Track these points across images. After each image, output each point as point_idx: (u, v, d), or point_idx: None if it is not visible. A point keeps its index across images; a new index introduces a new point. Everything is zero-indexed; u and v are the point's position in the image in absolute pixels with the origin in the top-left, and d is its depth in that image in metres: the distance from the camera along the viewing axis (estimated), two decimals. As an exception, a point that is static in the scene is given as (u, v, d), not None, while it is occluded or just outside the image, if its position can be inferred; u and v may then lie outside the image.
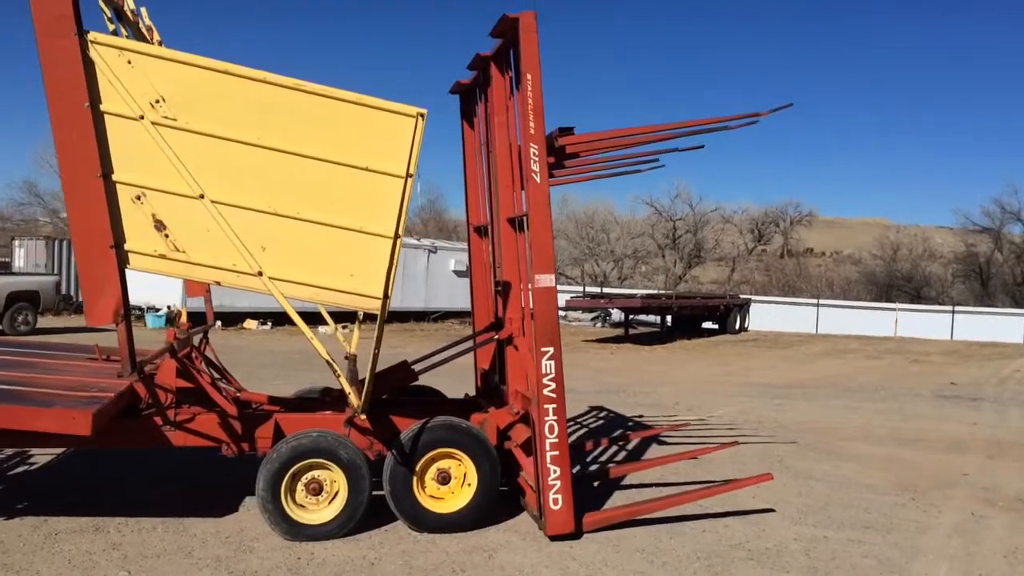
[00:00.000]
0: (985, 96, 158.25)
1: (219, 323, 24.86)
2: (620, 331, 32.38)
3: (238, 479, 7.86)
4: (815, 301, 41.84)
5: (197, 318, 9.20)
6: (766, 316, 39.19)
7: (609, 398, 14.15)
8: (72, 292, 29.00)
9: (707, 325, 35.43)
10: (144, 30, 7.01)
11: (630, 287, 50.62)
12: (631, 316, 32.58)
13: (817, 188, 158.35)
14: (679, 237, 64.56)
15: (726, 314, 35.41)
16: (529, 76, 5.81)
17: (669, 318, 33.08)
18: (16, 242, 32.02)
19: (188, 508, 6.77)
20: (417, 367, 7.40)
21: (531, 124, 5.79)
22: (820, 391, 17.40)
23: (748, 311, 38.07)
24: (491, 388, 7.95)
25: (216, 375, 7.40)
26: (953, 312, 40.55)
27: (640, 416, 12.21)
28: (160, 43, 7.14)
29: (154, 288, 25.61)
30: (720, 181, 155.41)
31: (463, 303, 31.13)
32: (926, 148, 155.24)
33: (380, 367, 6.42)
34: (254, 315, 27.54)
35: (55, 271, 28.36)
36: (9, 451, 8.41)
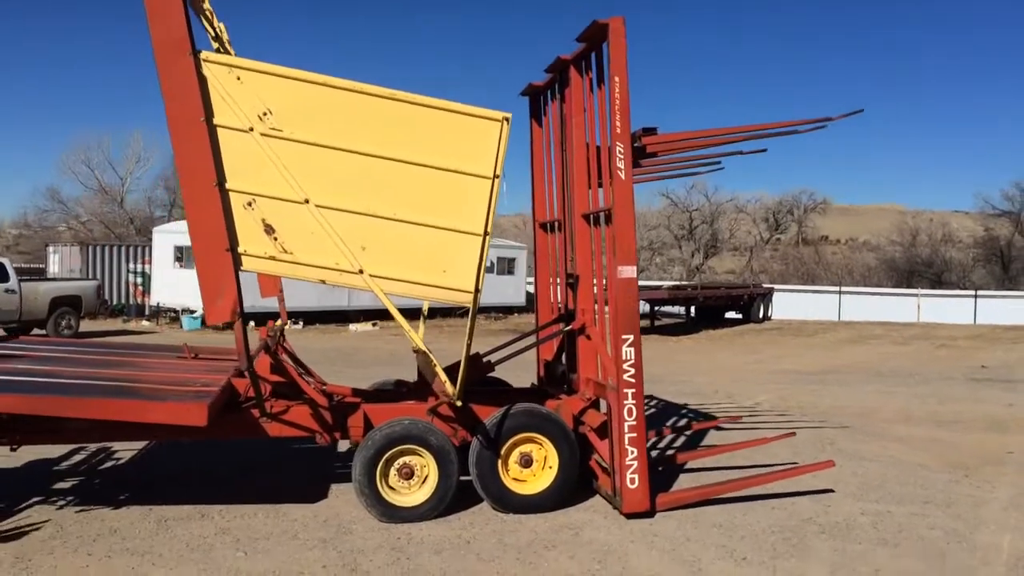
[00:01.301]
0: (996, 80, 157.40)
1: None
2: (646, 322, 32.69)
3: (318, 467, 8.30)
4: (837, 288, 41.97)
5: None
6: (788, 304, 39.38)
7: (649, 387, 14.45)
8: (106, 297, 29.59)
9: (730, 315, 35.69)
10: (220, 32, 7.37)
11: (646, 279, 50.83)
12: (656, 308, 32.88)
13: (830, 175, 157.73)
14: (695, 228, 64.89)
15: (750, 303, 35.66)
16: (617, 78, 6.19)
17: (693, 308, 33.35)
18: (50, 248, 32.64)
19: (280, 495, 7.17)
20: (489, 360, 7.77)
21: (617, 123, 6.17)
22: (852, 377, 17.69)
23: (771, 300, 38.31)
24: (555, 377, 8.30)
25: (300, 370, 7.79)
26: (976, 296, 40.65)
27: (685, 404, 12.55)
28: (230, 42, 7.48)
29: (190, 291, 26.20)
30: (734, 171, 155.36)
31: (491, 298, 31.52)
32: (939, 133, 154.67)
33: (446, 362, 6.79)
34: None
35: (89, 276, 28.89)
36: (93, 447, 8.84)
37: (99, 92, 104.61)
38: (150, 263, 29.45)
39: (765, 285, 40.76)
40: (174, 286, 26.77)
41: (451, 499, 6.64)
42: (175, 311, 26.88)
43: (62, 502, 6.94)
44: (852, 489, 7.74)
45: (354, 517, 6.64)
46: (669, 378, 16.41)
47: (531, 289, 39.45)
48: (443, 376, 6.45)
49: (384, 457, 6.51)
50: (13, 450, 6.68)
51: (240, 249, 5.83)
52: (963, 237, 66.06)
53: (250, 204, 5.81)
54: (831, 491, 7.64)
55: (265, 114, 5.77)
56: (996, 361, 21.81)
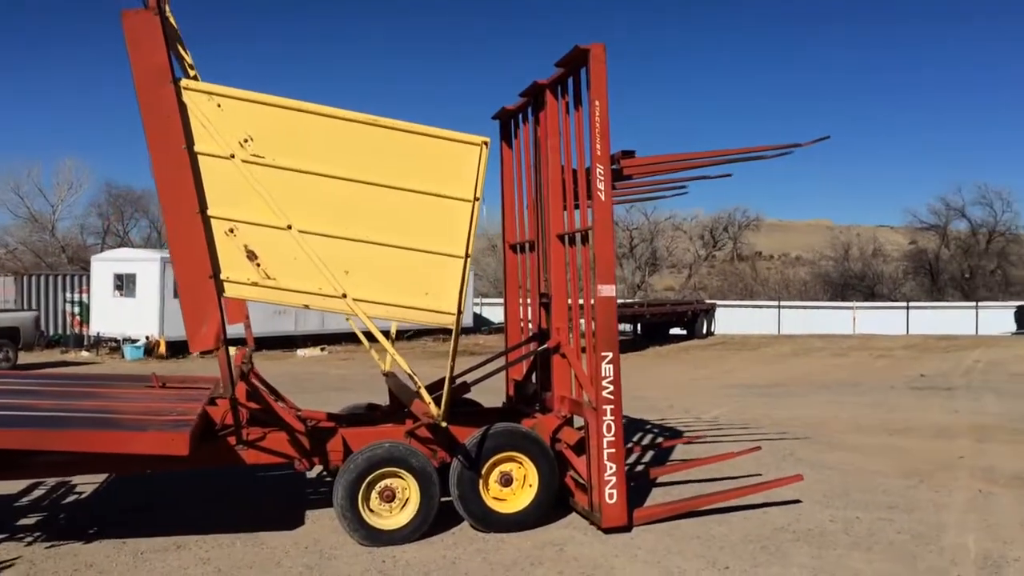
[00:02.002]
0: (922, 96, 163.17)
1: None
2: (592, 341, 32.92)
3: (288, 494, 8.23)
4: (776, 303, 42.96)
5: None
6: (730, 320, 40.17)
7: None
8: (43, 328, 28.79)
9: (675, 331, 36.20)
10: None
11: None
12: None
13: (762, 192, 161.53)
14: (635, 246, 65.74)
15: (694, 319, 36.25)
16: (597, 102, 6.35)
17: (639, 326, 33.76)
18: (-18, 278, 31.64)
19: (256, 523, 7.09)
20: (465, 381, 7.82)
21: (598, 146, 6.33)
22: (800, 388, 18.13)
23: (714, 315, 39.02)
24: (526, 396, 8.38)
25: (274, 396, 7.74)
26: (908, 308, 41.96)
27: (646, 420, 12.73)
28: (193, 66, 7.46)
29: (131, 320, 25.67)
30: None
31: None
32: (866, 151, 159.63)
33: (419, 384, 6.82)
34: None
35: (24, 306, 28.08)
36: (52, 482, 8.63)
37: (29, 118, 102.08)
38: (88, 292, 28.73)
39: (708, 301, 41.49)
40: (114, 315, 26.18)
41: (433, 520, 6.67)
42: (116, 341, 26.26)
43: (29, 538, 6.76)
44: (818, 497, 7.96)
45: (335, 542, 6.61)
46: (623, 394, 16.58)
47: (478, 310, 39.61)
48: (427, 397, 6.49)
49: (366, 480, 6.51)
50: None
51: (223, 276, 5.82)
52: (890, 251, 68.12)
53: (232, 231, 5.80)
54: (799, 501, 7.84)
55: (246, 141, 5.78)
56: (933, 370, 22.53)
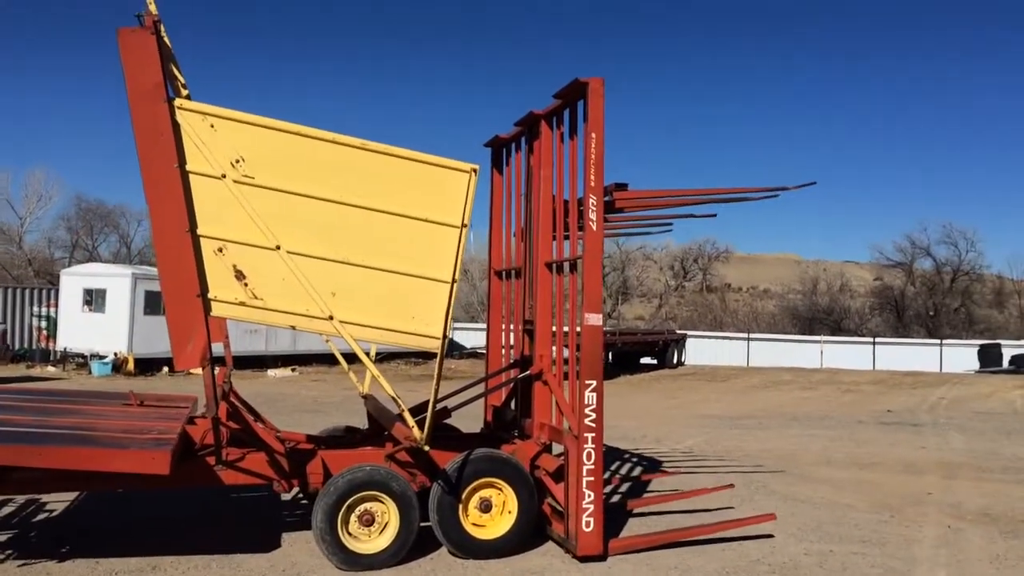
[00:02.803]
0: (890, 133, 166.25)
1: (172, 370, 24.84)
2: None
3: (262, 515, 8.17)
4: (745, 335, 43.33)
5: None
6: (700, 350, 40.48)
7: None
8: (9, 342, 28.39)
9: (645, 360, 36.39)
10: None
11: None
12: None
13: (731, 224, 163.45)
14: (606, 275, 66.17)
15: (664, 349, 36.49)
16: (594, 134, 6.46)
17: (611, 354, 33.88)
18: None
19: (230, 545, 7.02)
20: (446, 406, 7.82)
21: (592, 177, 6.44)
22: (771, 421, 18.29)
23: (684, 346, 39.27)
24: (505, 422, 8.41)
25: (253, 416, 7.70)
26: (874, 344, 42.54)
27: (625, 450, 12.78)
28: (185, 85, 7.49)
29: (100, 336, 25.36)
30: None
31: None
32: (833, 185, 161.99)
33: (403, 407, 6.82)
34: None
35: (-8, 320, 27.69)
36: (21, 499, 8.49)
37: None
38: (56, 306, 28.36)
39: (678, 331, 41.77)
40: (83, 331, 25.86)
41: (412, 545, 6.65)
42: (83, 356, 25.92)
43: (1, 556, 6.66)
44: (792, 530, 8.04)
45: (312, 565, 6.57)
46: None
47: (450, 335, 39.62)
48: (411, 421, 6.50)
49: (346, 503, 6.48)
50: None
51: (210, 295, 5.82)
52: (856, 287, 69.10)
53: (221, 250, 5.82)
54: (772, 535, 7.90)
55: (238, 161, 5.81)
56: (899, 405, 22.83)
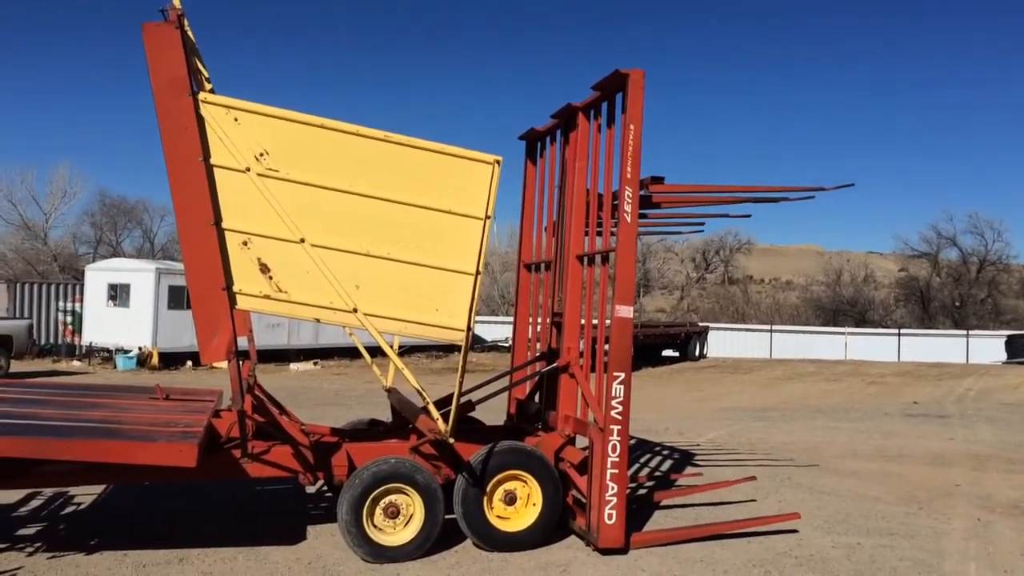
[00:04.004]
0: (912, 122, 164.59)
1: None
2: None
3: (288, 508, 8.20)
4: (768, 327, 43.07)
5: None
6: (722, 342, 40.30)
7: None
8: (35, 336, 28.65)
9: (668, 352, 36.26)
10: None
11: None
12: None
13: (753, 215, 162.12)
14: (628, 267, 66.06)
15: (687, 341, 36.33)
16: (632, 126, 6.45)
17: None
18: (-27, 286, 31.48)
19: (257, 538, 7.05)
20: (470, 399, 7.82)
21: (629, 169, 6.42)
22: (795, 413, 18.17)
23: (707, 338, 39.09)
24: (528, 415, 8.39)
25: (278, 409, 7.73)
26: (899, 335, 42.17)
27: (643, 440, 12.73)
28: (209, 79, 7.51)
29: (124, 330, 25.56)
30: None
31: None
32: (856, 176, 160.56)
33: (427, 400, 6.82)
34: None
35: (16, 314, 27.95)
36: (50, 492, 8.58)
37: (24, 123, 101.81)
38: (81, 301, 28.62)
39: (700, 324, 41.58)
40: (108, 325, 26.07)
41: (437, 537, 6.65)
42: (108, 351, 26.14)
43: (30, 548, 6.71)
44: (819, 523, 7.97)
45: (338, 558, 6.59)
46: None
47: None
48: (436, 413, 6.50)
49: (371, 496, 6.49)
50: None
51: (235, 288, 5.84)
52: (881, 278, 68.55)
53: (246, 243, 5.83)
54: (799, 528, 7.84)
55: (262, 155, 5.81)
56: (926, 397, 22.62)
